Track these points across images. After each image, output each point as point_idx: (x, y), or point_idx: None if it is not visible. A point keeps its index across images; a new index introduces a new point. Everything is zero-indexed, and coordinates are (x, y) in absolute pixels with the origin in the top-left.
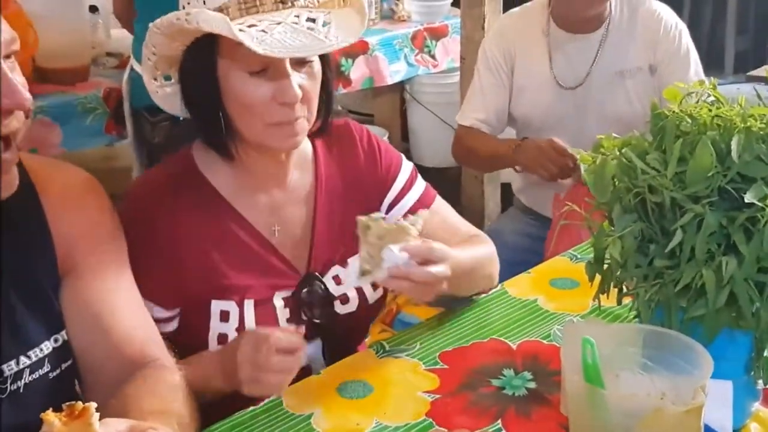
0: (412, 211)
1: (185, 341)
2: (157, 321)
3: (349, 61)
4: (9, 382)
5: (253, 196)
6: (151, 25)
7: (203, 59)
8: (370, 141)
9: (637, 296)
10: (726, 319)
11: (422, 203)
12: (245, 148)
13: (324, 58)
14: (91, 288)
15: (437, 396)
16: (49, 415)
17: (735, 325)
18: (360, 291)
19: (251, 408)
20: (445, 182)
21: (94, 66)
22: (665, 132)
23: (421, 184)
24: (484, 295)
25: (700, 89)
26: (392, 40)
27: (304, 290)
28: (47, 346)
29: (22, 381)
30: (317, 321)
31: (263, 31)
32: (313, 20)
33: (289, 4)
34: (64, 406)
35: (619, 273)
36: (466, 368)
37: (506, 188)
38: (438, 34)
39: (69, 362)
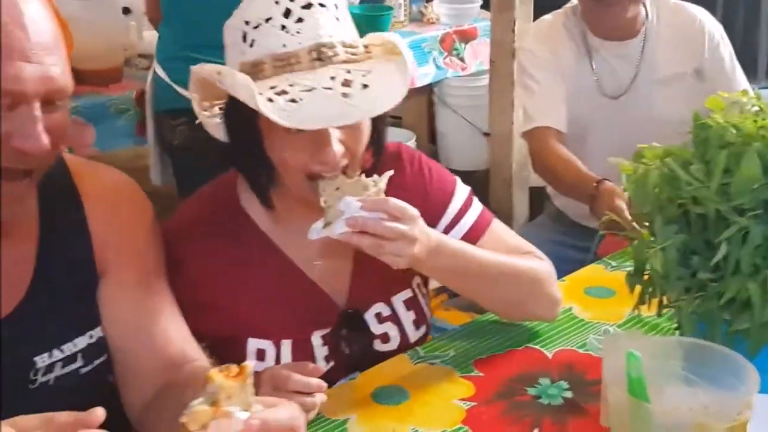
0: (469, 236)
1: None
2: None
3: None
4: (40, 374)
5: (293, 230)
6: (192, 69)
7: (244, 109)
8: (420, 165)
9: (680, 309)
10: (765, 335)
11: (479, 226)
12: (286, 195)
13: None
14: (129, 289)
15: (473, 404)
16: (214, 374)
17: None
18: (402, 331)
19: None
20: (473, 185)
21: (127, 67)
22: (708, 142)
23: (477, 207)
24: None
25: (743, 99)
26: (421, 42)
27: (343, 330)
28: (82, 342)
29: (53, 374)
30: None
31: (293, 100)
32: (350, 83)
33: (327, 61)
34: (222, 366)
35: (660, 285)
36: (502, 376)
37: (534, 193)
38: (467, 36)
39: (102, 358)
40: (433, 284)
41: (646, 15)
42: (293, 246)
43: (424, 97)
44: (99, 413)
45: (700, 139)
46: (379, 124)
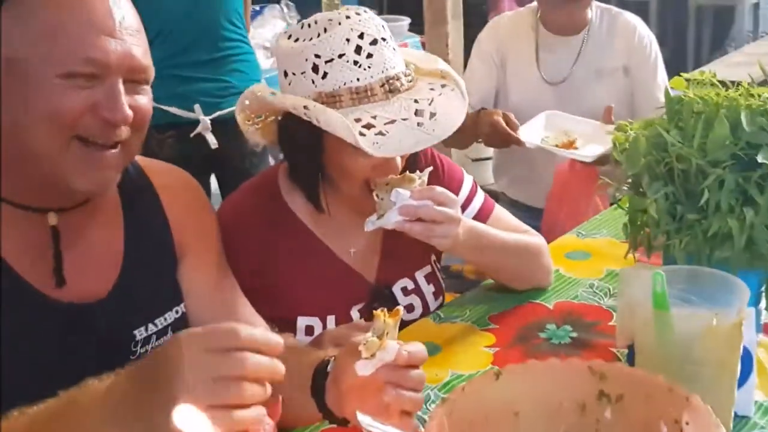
0: (478, 218)
1: None
2: None
3: None
4: (139, 346)
5: (332, 223)
6: (258, 89)
7: (308, 129)
8: (433, 157)
9: (672, 247)
10: (745, 261)
11: (484, 211)
12: (337, 199)
13: None
14: (208, 268)
15: (497, 349)
16: (380, 314)
17: (750, 266)
18: (424, 301)
19: None
20: None
21: None
22: (683, 112)
23: (481, 195)
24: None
25: (701, 77)
26: None
27: (375, 303)
28: (170, 316)
29: (150, 345)
30: None
31: (380, 133)
32: (421, 112)
33: (395, 92)
34: (379, 309)
35: (654, 230)
36: (515, 326)
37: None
38: None
39: None
40: None
41: (591, 17)
42: (331, 236)
43: None
44: None
45: (674, 111)
46: None
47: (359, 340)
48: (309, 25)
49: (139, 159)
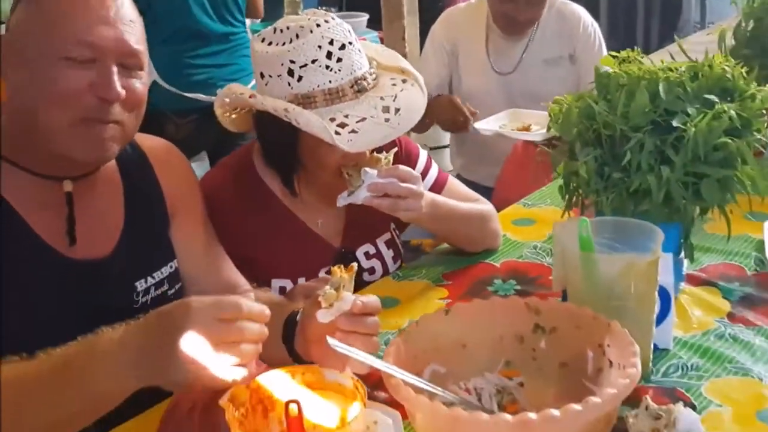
0: (434, 189)
1: None
2: None
3: None
4: (140, 296)
5: (302, 199)
6: (238, 89)
7: (284, 126)
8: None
9: (601, 203)
10: (663, 214)
11: (439, 182)
12: (309, 182)
13: None
14: (196, 227)
15: (449, 300)
16: (337, 269)
17: (669, 219)
18: (384, 264)
19: None
20: None
21: None
22: (609, 85)
23: (435, 168)
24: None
25: (630, 56)
26: None
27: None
28: (166, 270)
29: (149, 296)
30: None
31: (354, 131)
32: (387, 109)
33: (363, 91)
34: (335, 266)
35: (585, 189)
36: (466, 282)
37: None
38: None
39: (179, 285)
40: None
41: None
42: (301, 209)
43: None
44: None
45: (602, 85)
46: None
47: (320, 292)
48: (281, 30)
49: (136, 136)
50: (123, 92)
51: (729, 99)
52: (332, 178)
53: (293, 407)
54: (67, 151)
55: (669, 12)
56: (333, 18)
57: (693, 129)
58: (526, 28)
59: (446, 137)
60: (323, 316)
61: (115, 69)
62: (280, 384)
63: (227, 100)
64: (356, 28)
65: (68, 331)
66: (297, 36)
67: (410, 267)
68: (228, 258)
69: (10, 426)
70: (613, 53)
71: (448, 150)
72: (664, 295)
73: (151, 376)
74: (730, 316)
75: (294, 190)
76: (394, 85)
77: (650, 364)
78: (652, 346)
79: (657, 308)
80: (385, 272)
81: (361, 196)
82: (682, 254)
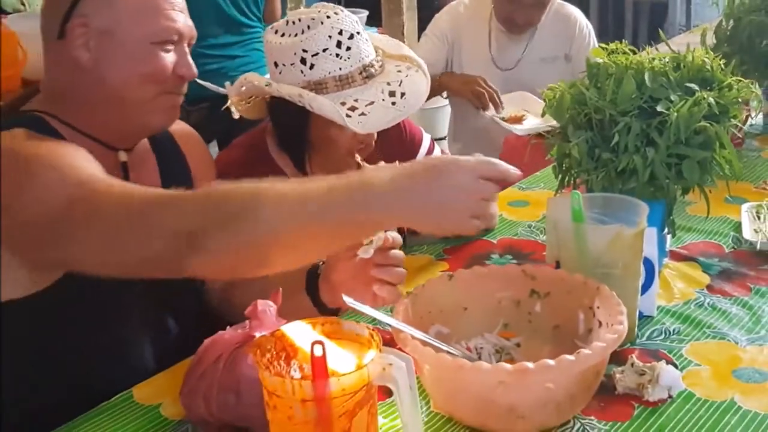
0: None
1: None
2: None
3: None
4: None
5: (313, 176)
6: (254, 78)
7: (297, 110)
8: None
9: (591, 182)
10: (648, 192)
11: None
12: (320, 164)
13: None
14: None
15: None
16: None
17: (654, 197)
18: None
19: None
20: None
21: None
22: (599, 74)
23: (438, 151)
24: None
25: (618, 47)
26: None
27: None
28: None
29: None
30: None
31: (363, 114)
32: (394, 93)
33: (371, 77)
34: None
35: (577, 168)
36: (465, 256)
37: None
38: None
39: None
40: None
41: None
42: None
43: None
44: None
45: (593, 74)
46: None
47: None
48: (294, 23)
49: None
50: (196, 71)
51: (708, 88)
52: (343, 160)
53: (318, 348)
54: (149, 119)
55: (656, 15)
56: (342, 10)
57: (675, 114)
58: (526, 28)
59: (444, 129)
60: (364, 252)
61: (187, 50)
62: (301, 333)
63: (243, 89)
64: None
65: (127, 291)
66: (309, 27)
67: (411, 244)
68: None
69: (286, 239)
70: (603, 45)
71: (446, 142)
72: (649, 266)
73: (417, 217)
74: (710, 288)
75: (306, 171)
76: (399, 71)
77: (636, 329)
78: (637, 312)
79: (642, 278)
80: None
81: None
82: (666, 231)
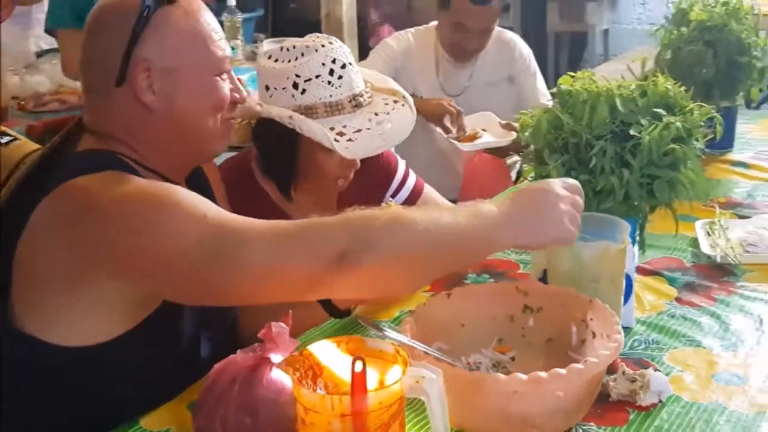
0: (413, 194)
1: None
2: None
3: None
4: None
5: (299, 205)
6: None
7: (287, 134)
8: None
9: None
10: (622, 211)
11: (416, 189)
12: (305, 188)
13: None
14: None
15: (432, 293)
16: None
17: (628, 215)
18: None
19: None
20: None
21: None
22: (572, 100)
23: (413, 176)
24: None
25: (583, 76)
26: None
27: None
28: None
29: None
30: None
31: (350, 140)
32: (381, 123)
33: (359, 106)
34: None
35: None
36: (444, 279)
37: None
38: None
39: None
40: None
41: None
42: (297, 212)
43: None
44: None
45: (565, 100)
46: None
47: None
48: (288, 49)
49: None
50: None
51: (672, 113)
52: (327, 185)
53: (358, 364)
54: (212, 147)
55: (576, 45)
56: (336, 40)
57: (647, 137)
58: (473, 55)
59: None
60: None
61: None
62: (327, 352)
63: None
64: None
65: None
66: (302, 54)
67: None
68: None
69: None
70: (571, 74)
71: None
72: (628, 280)
73: (528, 234)
74: (678, 300)
75: (290, 196)
76: (386, 104)
77: None
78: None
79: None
80: None
81: None
82: (637, 248)
